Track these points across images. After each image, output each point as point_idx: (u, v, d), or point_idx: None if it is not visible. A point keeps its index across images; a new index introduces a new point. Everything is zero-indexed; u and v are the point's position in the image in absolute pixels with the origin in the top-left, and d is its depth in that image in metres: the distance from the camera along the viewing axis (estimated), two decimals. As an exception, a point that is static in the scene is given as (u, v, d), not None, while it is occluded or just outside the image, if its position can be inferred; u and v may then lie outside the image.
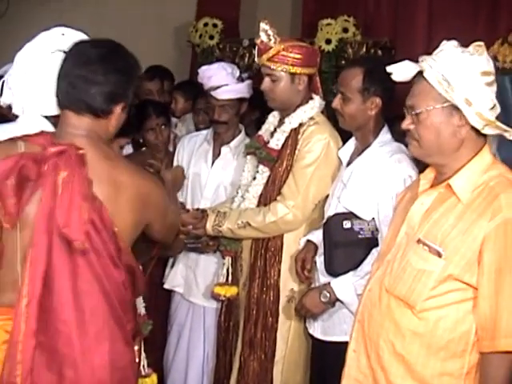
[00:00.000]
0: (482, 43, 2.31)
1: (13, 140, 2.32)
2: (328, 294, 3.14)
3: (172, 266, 4.11)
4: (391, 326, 2.36)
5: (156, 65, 5.51)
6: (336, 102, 3.26)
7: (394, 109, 3.09)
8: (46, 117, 2.70)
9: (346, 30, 5.28)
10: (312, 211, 3.44)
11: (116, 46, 2.40)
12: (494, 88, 2.31)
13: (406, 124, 2.40)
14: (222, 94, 3.86)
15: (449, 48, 2.33)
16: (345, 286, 3.11)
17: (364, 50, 5.27)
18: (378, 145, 3.20)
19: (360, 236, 3.14)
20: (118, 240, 2.28)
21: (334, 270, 3.19)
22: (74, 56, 2.33)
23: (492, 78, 2.30)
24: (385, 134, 3.23)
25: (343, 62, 5.23)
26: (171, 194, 3.28)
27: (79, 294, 2.20)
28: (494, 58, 4.18)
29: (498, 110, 2.31)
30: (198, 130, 4.49)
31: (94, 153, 2.29)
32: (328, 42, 5.24)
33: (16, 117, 2.77)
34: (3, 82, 2.75)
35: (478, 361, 2.28)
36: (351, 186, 3.20)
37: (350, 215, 3.17)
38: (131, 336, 2.40)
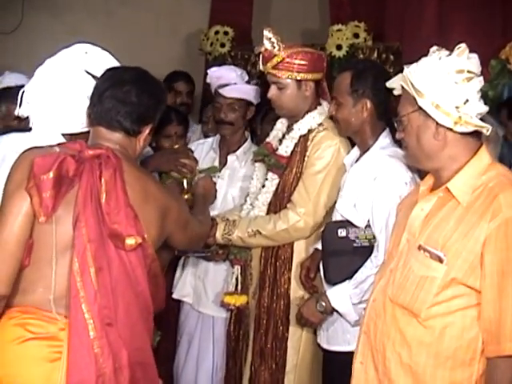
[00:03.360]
0: (463, 45, 2.31)
1: (49, 146, 2.41)
2: (324, 304, 3.11)
3: (180, 276, 4.09)
4: (397, 336, 2.32)
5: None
6: (331, 109, 3.25)
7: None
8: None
9: (356, 36, 5.25)
10: (323, 218, 3.40)
11: (145, 71, 2.55)
12: (472, 84, 2.29)
13: (398, 134, 2.43)
14: (230, 92, 3.86)
15: (430, 54, 2.35)
16: (340, 295, 3.08)
17: (375, 55, 5.25)
18: (376, 150, 3.15)
19: (355, 244, 3.10)
20: (146, 246, 2.36)
21: (329, 279, 3.16)
22: (108, 78, 2.48)
23: (468, 75, 2.28)
24: (384, 139, 3.16)
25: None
26: (201, 207, 3.21)
27: (114, 289, 2.27)
28: (506, 61, 4.16)
29: (475, 105, 2.28)
30: (207, 137, 4.44)
31: (126, 163, 2.38)
32: (339, 47, 5.22)
33: (31, 128, 2.78)
34: (22, 94, 2.75)
35: None
36: (346, 192, 3.17)
37: (346, 223, 3.13)
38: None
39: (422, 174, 2.66)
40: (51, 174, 2.23)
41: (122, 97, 2.41)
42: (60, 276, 2.28)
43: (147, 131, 2.50)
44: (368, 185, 3.06)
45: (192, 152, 3.55)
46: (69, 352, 2.21)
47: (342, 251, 3.11)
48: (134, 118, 2.43)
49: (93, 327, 2.21)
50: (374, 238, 3.05)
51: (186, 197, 3.35)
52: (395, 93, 2.46)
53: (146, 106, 2.45)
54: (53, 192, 2.24)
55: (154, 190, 2.44)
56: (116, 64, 2.77)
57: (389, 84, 2.49)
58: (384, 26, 5.54)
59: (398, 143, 3.07)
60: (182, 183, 3.39)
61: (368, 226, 3.08)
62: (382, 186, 3.01)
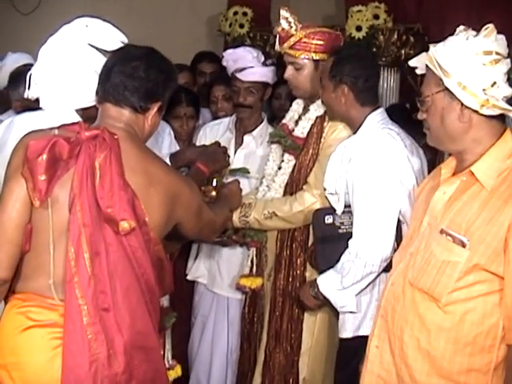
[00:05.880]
0: (491, 25, 2.26)
1: (49, 129, 2.37)
2: (316, 289, 3.13)
3: (195, 257, 4.08)
4: (416, 320, 2.30)
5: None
6: (320, 92, 3.26)
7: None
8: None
9: (376, 17, 5.19)
10: None
11: (155, 49, 2.50)
12: (500, 67, 2.24)
13: (420, 114, 2.37)
14: (247, 76, 3.84)
15: (456, 34, 2.30)
16: (326, 282, 3.10)
17: (395, 36, 5.19)
18: (360, 134, 3.14)
19: (340, 231, 3.13)
20: (148, 229, 2.31)
21: (317, 266, 3.21)
22: (117, 55, 2.43)
23: (496, 56, 2.23)
24: (369, 123, 3.14)
25: (374, 49, 5.15)
26: (221, 203, 3.17)
27: (112, 274, 2.23)
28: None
29: (502, 88, 2.23)
30: (216, 119, 4.39)
31: (130, 144, 2.34)
32: (358, 29, 5.16)
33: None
34: (30, 76, 2.74)
35: None
36: (326, 178, 3.21)
37: (333, 209, 3.16)
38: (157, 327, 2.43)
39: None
40: (44, 157, 2.19)
41: (130, 72, 2.36)
42: (58, 261, 2.25)
43: (155, 109, 2.44)
44: (343, 167, 3.08)
45: (226, 150, 3.53)
46: (64, 338, 2.19)
47: (329, 238, 3.15)
48: (142, 93, 2.38)
49: (86, 313, 2.18)
50: None
51: (212, 194, 3.34)
52: (418, 72, 2.42)
53: (154, 81, 2.39)
54: (46, 176, 2.21)
55: (160, 173, 2.38)
56: (119, 34, 2.75)
57: (411, 63, 2.44)
58: (407, 7, 5.50)
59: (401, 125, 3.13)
60: (211, 181, 3.37)
61: (349, 211, 3.10)
62: (356, 167, 3.02)
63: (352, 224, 3.06)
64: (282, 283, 3.45)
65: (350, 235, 3.04)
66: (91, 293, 2.19)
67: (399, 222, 3.00)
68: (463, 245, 2.18)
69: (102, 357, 2.19)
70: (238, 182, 3.43)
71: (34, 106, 2.86)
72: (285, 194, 3.48)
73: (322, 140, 3.37)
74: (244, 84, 3.85)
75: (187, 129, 4.18)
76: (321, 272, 3.16)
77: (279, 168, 3.53)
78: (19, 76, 3.85)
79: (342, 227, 3.12)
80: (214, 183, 3.38)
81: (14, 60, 4.35)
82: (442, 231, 2.25)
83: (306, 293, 3.20)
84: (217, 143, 3.54)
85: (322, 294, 3.10)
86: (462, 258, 2.18)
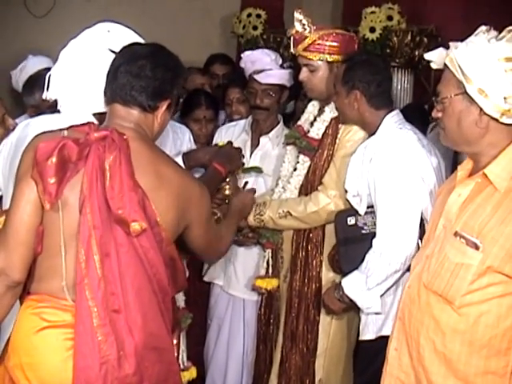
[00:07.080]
0: None
1: (59, 130, 2.37)
2: (340, 292, 3.13)
3: (211, 259, 4.09)
4: (431, 323, 2.29)
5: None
6: (333, 98, 3.28)
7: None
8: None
9: (390, 18, 5.19)
10: None
11: (162, 46, 2.47)
12: None
13: (435, 112, 2.35)
14: (265, 78, 3.85)
15: (477, 34, 2.24)
16: (351, 283, 3.09)
17: (409, 37, 5.20)
18: (378, 136, 3.15)
19: (363, 231, 3.13)
20: (160, 230, 2.30)
21: (341, 269, 3.20)
22: (124, 54, 2.42)
23: None
24: (386, 125, 3.14)
25: (388, 50, 5.16)
26: (231, 220, 3.17)
27: (124, 275, 2.22)
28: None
29: None
30: (231, 121, 4.38)
31: (140, 144, 2.33)
32: (372, 30, 5.17)
33: (59, 111, 2.79)
34: (49, 77, 2.75)
35: None
36: (348, 180, 3.22)
37: (355, 211, 3.16)
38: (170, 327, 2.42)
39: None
40: (53, 160, 2.19)
41: (137, 71, 2.34)
42: (70, 263, 2.25)
43: (164, 107, 2.41)
44: (365, 168, 3.09)
45: (241, 151, 3.54)
46: (75, 339, 2.20)
47: (351, 239, 3.15)
48: (149, 92, 2.35)
49: (96, 314, 2.18)
50: None
51: (227, 192, 3.39)
52: (433, 66, 2.38)
53: (161, 80, 2.36)
54: (56, 178, 2.20)
55: (171, 173, 2.37)
56: (139, 41, 2.72)
57: (427, 56, 2.40)
58: (421, 8, 5.51)
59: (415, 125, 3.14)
60: (225, 180, 3.40)
61: (371, 212, 3.10)
62: (378, 166, 3.03)
63: (375, 224, 3.07)
64: (297, 284, 3.46)
65: (373, 235, 3.05)
66: (101, 294, 2.19)
67: (422, 219, 3.00)
68: (476, 247, 2.18)
69: (112, 358, 2.19)
70: (254, 192, 3.45)
71: (47, 112, 2.87)
72: (300, 195, 3.49)
73: (337, 141, 3.38)
74: (261, 86, 3.86)
75: (206, 132, 4.21)
76: (344, 274, 3.15)
77: (294, 169, 3.54)
78: (34, 81, 3.87)
79: (365, 228, 3.12)
80: (227, 180, 3.41)
81: (35, 63, 4.37)
82: (456, 234, 2.25)
83: (330, 296, 3.19)
84: (229, 143, 3.54)
85: (348, 296, 3.09)
86: (475, 260, 2.17)
